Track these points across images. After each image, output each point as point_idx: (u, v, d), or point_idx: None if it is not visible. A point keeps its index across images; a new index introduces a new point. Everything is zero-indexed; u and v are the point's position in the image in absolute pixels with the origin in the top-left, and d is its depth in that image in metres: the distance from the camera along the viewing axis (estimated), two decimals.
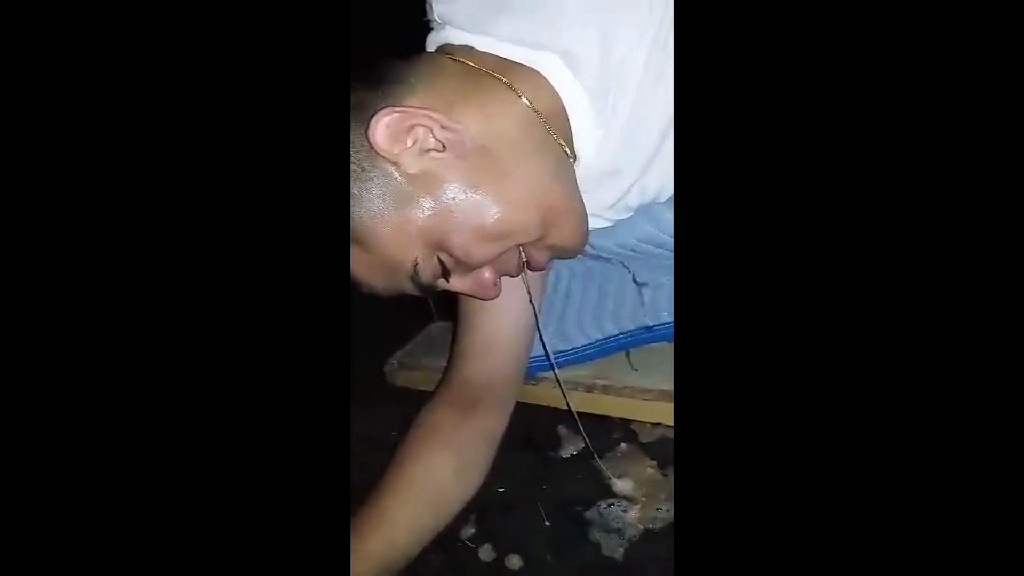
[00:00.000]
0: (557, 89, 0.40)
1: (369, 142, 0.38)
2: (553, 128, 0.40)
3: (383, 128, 0.37)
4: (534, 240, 0.41)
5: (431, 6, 0.43)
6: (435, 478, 0.48)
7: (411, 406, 0.60)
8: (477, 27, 0.41)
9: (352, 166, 0.38)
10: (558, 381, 0.54)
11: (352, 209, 0.39)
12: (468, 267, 0.41)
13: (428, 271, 0.40)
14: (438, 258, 0.40)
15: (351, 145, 0.39)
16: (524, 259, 0.43)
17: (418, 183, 0.38)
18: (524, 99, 0.39)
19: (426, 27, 0.45)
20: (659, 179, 0.43)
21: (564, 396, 0.53)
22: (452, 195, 0.38)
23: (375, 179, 0.38)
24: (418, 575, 0.46)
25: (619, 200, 0.44)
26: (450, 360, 0.56)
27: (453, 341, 0.56)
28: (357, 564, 0.42)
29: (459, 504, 0.48)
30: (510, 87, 0.40)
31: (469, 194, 0.38)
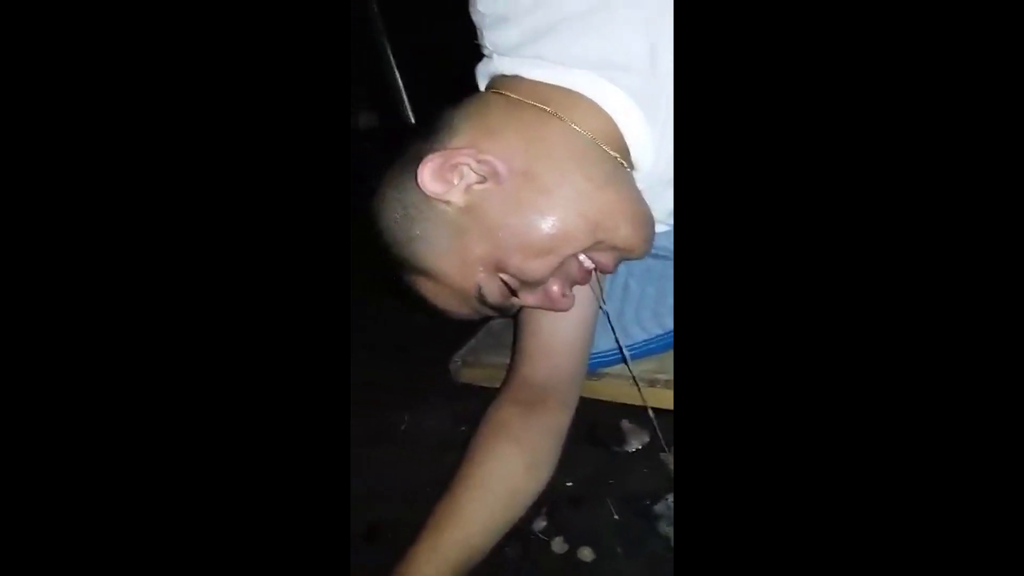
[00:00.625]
0: (603, 106, 0.42)
1: (419, 188, 0.42)
2: (605, 142, 0.42)
3: (428, 174, 0.42)
4: (589, 246, 0.43)
5: (483, 34, 0.45)
6: (506, 473, 0.50)
7: (477, 402, 0.63)
8: (526, 52, 0.43)
9: (411, 211, 0.43)
10: (633, 377, 0.55)
11: (416, 249, 0.43)
12: (530, 283, 0.44)
13: (494, 293, 0.44)
14: (501, 279, 0.43)
15: (408, 193, 0.43)
16: (590, 265, 0.44)
17: (468, 215, 0.42)
18: (569, 122, 0.41)
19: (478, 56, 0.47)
20: None
21: (639, 391, 0.55)
22: (498, 221, 0.41)
23: (431, 219, 0.43)
24: (495, 568, 0.48)
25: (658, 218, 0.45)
26: (513, 360, 0.57)
27: (515, 340, 0.58)
28: (436, 558, 0.44)
29: (530, 499, 0.51)
30: (553, 114, 0.42)
31: (513, 217, 0.41)
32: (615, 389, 0.61)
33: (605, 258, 0.44)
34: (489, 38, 0.45)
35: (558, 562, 0.48)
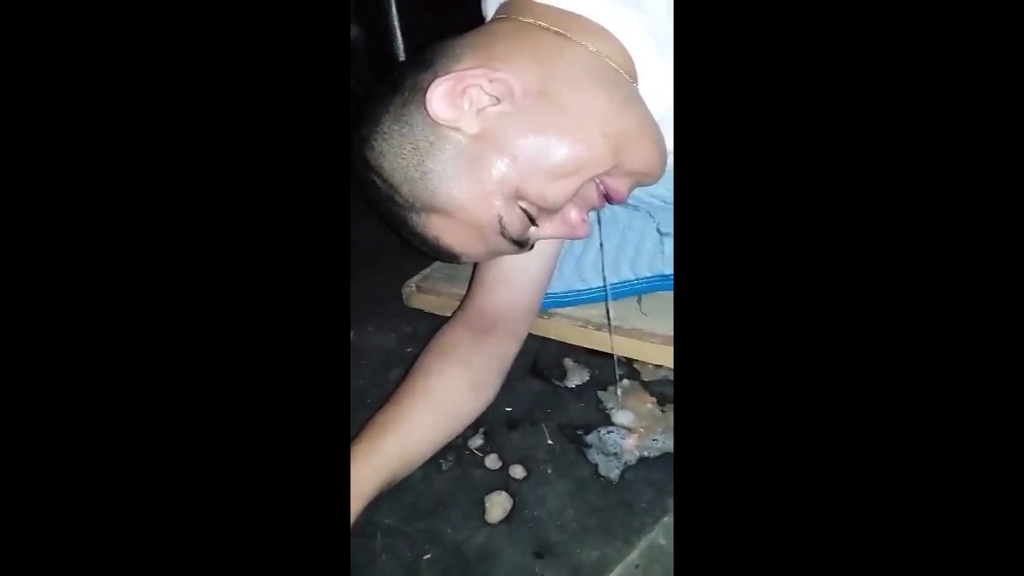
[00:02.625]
0: (617, 34, 0.41)
1: (431, 116, 0.39)
2: (619, 68, 0.41)
3: (438, 98, 0.39)
4: (609, 169, 0.42)
5: None
6: (451, 391, 0.51)
7: (425, 326, 0.64)
8: None
9: (419, 144, 0.40)
10: (608, 319, 0.57)
11: (430, 184, 0.41)
12: (551, 210, 0.43)
13: (515, 223, 0.42)
14: (521, 208, 0.41)
15: (414, 127, 0.41)
16: (604, 191, 0.43)
17: (483, 141, 0.40)
18: (581, 42, 0.40)
19: None
20: None
21: (611, 333, 0.57)
22: (516, 143, 0.40)
23: (443, 149, 0.40)
24: (428, 476, 0.50)
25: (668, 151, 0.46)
26: (471, 287, 0.58)
27: (475, 270, 0.59)
28: (373, 457, 0.45)
29: (469, 418, 0.52)
30: (563, 35, 0.40)
31: (532, 137, 0.40)
32: (563, 329, 0.63)
33: (620, 184, 0.43)
34: None
35: (490, 477, 0.50)
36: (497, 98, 0.40)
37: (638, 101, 0.42)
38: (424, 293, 0.72)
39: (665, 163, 0.44)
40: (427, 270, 0.76)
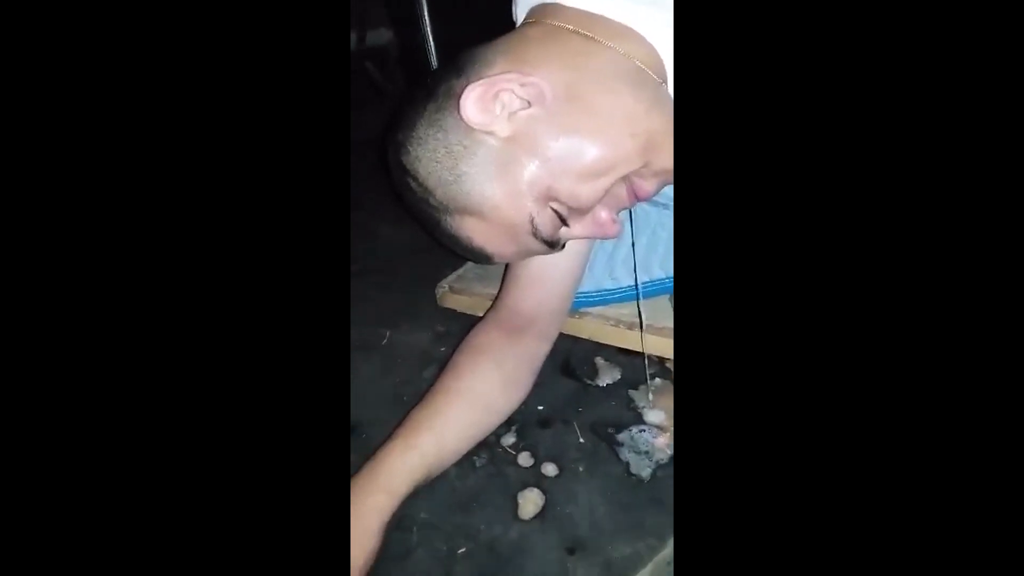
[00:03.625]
0: (647, 35, 0.41)
1: (464, 121, 0.41)
2: (648, 69, 0.42)
3: (472, 103, 0.40)
4: (638, 168, 0.42)
5: None
6: (484, 390, 0.52)
7: (458, 326, 0.65)
8: None
9: (453, 149, 0.42)
10: (640, 318, 0.58)
11: (463, 187, 0.42)
12: (581, 211, 0.43)
13: (546, 223, 0.43)
14: (552, 209, 0.42)
15: (447, 132, 0.42)
16: (633, 190, 0.44)
17: (515, 143, 0.41)
18: (609, 44, 0.41)
19: None
20: None
21: (641, 336, 0.58)
22: (547, 145, 0.40)
23: (477, 153, 0.41)
24: (463, 472, 0.51)
25: None
26: (503, 288, 0.59)
27: (507, 270, 0.60)
28: (410, 454, 0.47)
29: (502, 416, 0.53)
30: (591, 38, 0.41)
31: (562, 139, 0.40)
32: (594, 328, 0.63)
33: (649, 183, 0.44)
34: None
35: (522, 474, 0.51)
36: (528, 102, 0.41)
37: (666, 101, 0.43)
38: (457, 293, 0.74)
39: None
40: (460, 271, 0.77)
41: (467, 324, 0.59)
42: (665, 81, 0.43)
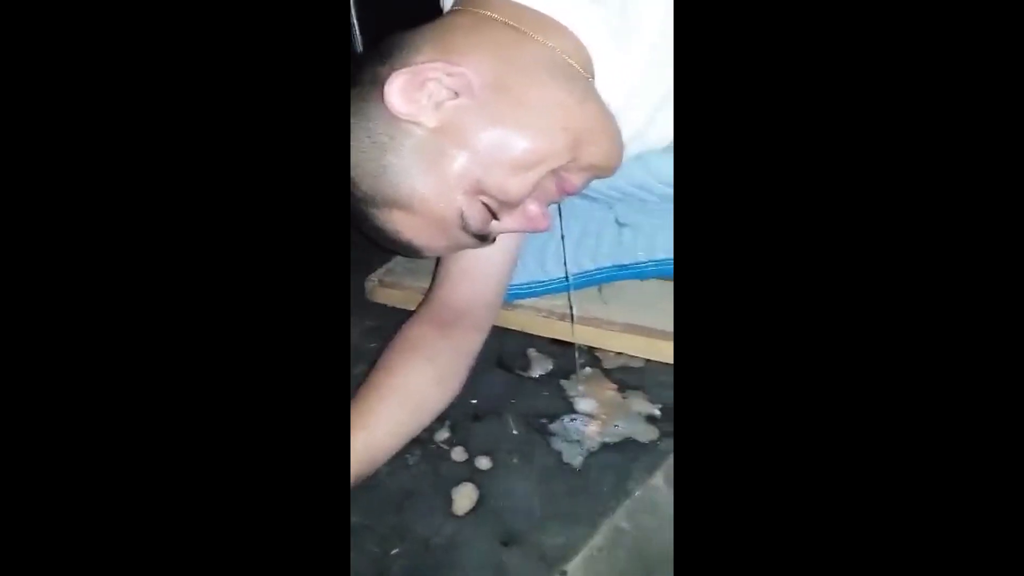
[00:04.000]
0: (575, 30, 0.41)
1: (388, 110, 0.39)
2: (576, 63, 0.42)
3: (397, 92, 0.39)
4: (567, 163, 0.42)
5: None
6: (416, 386, 0.51)
7: (388, 321, 0.64)
8: None
9: (378, 139, 0.40)
10: (571, 308, 0.58)
11: (390, 179, 0.41)
12: (511, 204, 0.43)
13: (476, 217, 0.42)
14: (482, 203, 0.41)
15: (372, 121, 0.40)
16: (561, 184, 0.44)
17: (442, 134, 0.40)
18: (537, 36, 0.41)
19: None
20: (660, 130, 0.46)
21: (572, 322, 0.58)
22: (476, 137, 0.40)
23: (403, 143, 0.40)
24: (395, 471, 0.50)
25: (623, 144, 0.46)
26: (434, 280, 0.58)
27: (438, 263, 0.59)
28: None
29: (435, 412, 0.53)
30: (521, 30, 0.41)
31: (492, 131, 0.40)
32: (526, 319, 0.64)
33: (576, 177, 0.44)
34: None
35: (456, 469, 0.51)
36: (456, 92, 0.40)
37: (595, 96, 0.43)
38: (387, 287, 0.72)
39: (621, 156, 0.45)
40: (389, 264, 0.76)
41: (398, 319, 0.58)
42: (593, 77, 0.44)
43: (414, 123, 0.40)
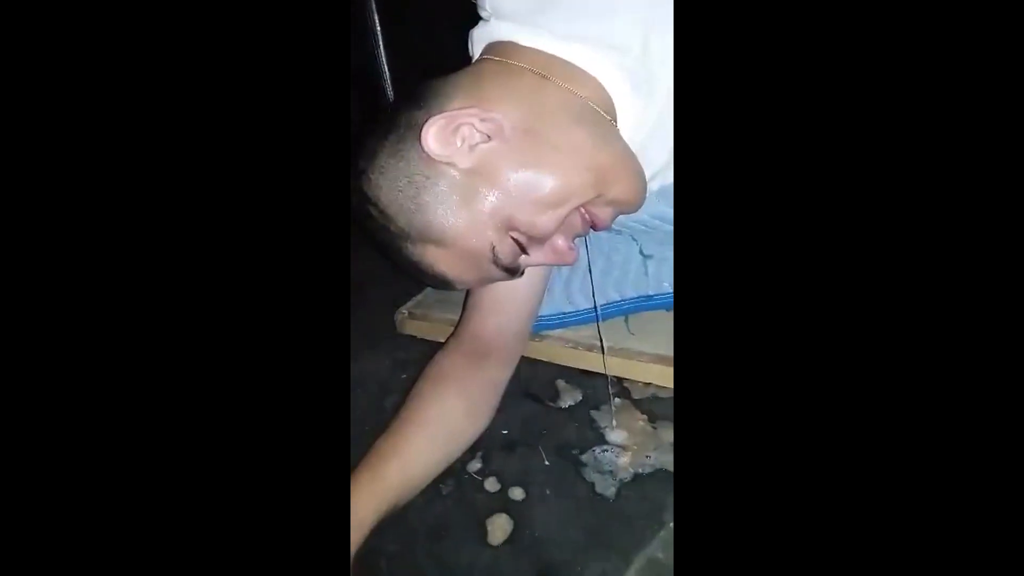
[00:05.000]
0: (598, 76, 0.44)
1: (426, 152, 0.42)
2: (596, 105, 0.44)
3: (433, 136, 0.42)
4: (593, 199, 0.44)
5: None
6: (449, 418, 0.53)
7: (418, 353, 0.65)
8: (527, 19, 0.44)
9: (415, 179, 0.43)
10: (601, 339, 0.59)
11: (426, 216, 0.43)
12: (540, 239, 0.45)
13: (507, 252, 0.44)
14: (512, 238, 0.44)
15: (409, 163, 0.43)
16: (588, 219, 0.46)
17: (475, 175, 0.43)
18: (563, 84, 0.43)
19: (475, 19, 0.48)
20: None
21: (603, 358, 0.59)
22: (507, 177, 0.42)
23: (439, 183, 0.43)
24: (430, 501, 0.51)
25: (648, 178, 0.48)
26: (464, 314, 0.60)
27: (468, 296, 0.60)
28: (375, 485, 0.46)
29: (467, 443, 0.54)
30: (546, 77, 0.43)
31: (522, 172, 0.42)
32: (554, 351, 0.65)
33: (603, 212, 0.46)
34: (491, 3, 0.45)
35: (490, 499, 0.51)
36: (488, 136, 0.42)
37: (617, 137, 0.45)
38: (417, 319, 0.74)
39: (645, 192, 0.47)
40: (419, 296, 0.77)
41: (428, 350, 0.59)
42: (615, 120, 0.46)
43: (449, 164, 0.43)
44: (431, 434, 0.51)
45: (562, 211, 0.44)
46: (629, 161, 0.45)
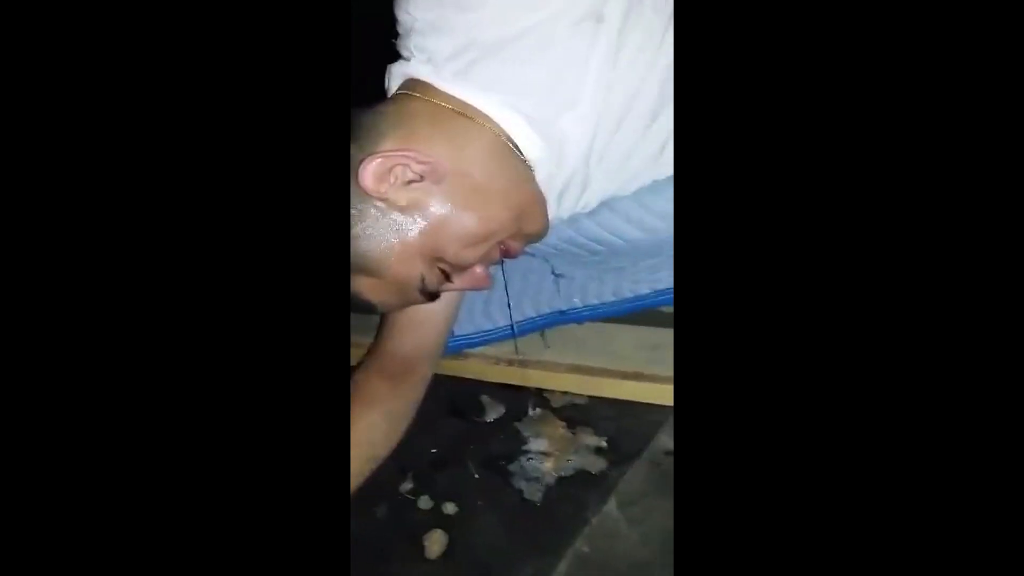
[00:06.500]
0: (493, 117, 0.47)
1: (360, 187, 0.45)
2: (510, 142, 0.48)
3: (370, 174, 0.44)
4: (512, 233, 0.49)
5: (409, 37, 0.47)
6: (372, 438, 0.54)
7: None
8: (450, 65, 0.46)
9: (350, 211, 0.45)
10: (516, 353, 0.62)
11: (358, 247, 0.45)
12: (463, 268, 0.49)
13: (433, 280, 0.48)
14: (439, 268, 0.48)
15: None
16: (504, 249, 0.50)
17: (408, 212, 0.46)
18: (488, 127, 0.47)
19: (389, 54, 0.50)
20: (586, 198, 0.53)
21: (520, 371, 0.63)
22: (439, 215, 0.46)
23: (372, 217, 0.45)
24: (366, 524, 0.52)
25: (555, 213, 0.53)
26: (380, 332, 0.61)
27: (383, 317, 0.62)
28: None
29: (383, 458, 0.55)
30: (470, 118, 0.47)
31: (452, 212, 0.46)
32: (478, 367, 0.68)
33: (516, 244, 0.51)
34: (416, 42, 0.47)
35: (424, 516, 0.53)
36: (421, 176, 0.45)
37: (531, 178, 0.50)
38: None
39: (549, 225, 0.52)
40: None
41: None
42: (522, 154, 0.50)
43: (382, 199, 0.45)
44: (356, 456, 0.53)
45: (486, 246, 0.48)
46: (540, 198, 0.51)
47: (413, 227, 0.46)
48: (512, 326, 0.66)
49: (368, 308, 0.50)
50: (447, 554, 0.50)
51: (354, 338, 0.73)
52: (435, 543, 0.51)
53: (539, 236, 0.52)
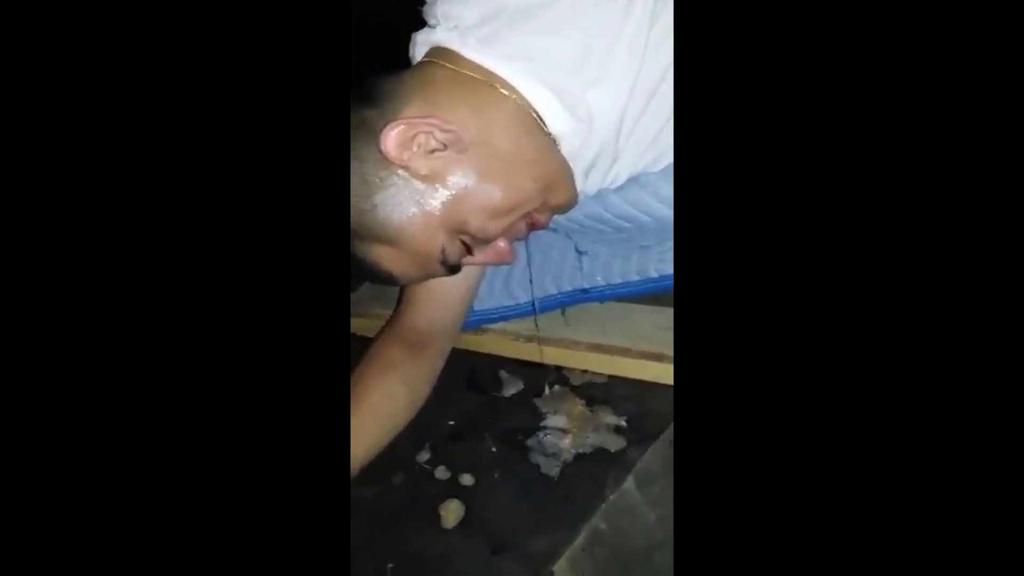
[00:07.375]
0: (520, 88, 0.46)
1: (381, 154, 0.43)
2: (535, 114, 0.47)
3: (392, 140, 0.43)
4: (538, 206, 0.48)
5: (435, 5, 0.46)
6: (391, 406, 0.55)
7: (354, 350, 0.66)
8: (476, 32, 0.45)
9: (369, 179, 0.44)
10: (537, 331, 0.61)
11: (378, 216, 0.44)
12: (486, 241, 0.48)
13: (455, 252, 0.47)
14: (461, 240, 0.47)
15: (364, 162, 0.44)
16: (530, 222, 0.49)
17: (431, 181, 0.45)
18: (513, 96, 0.46)
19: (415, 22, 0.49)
20: (614, 173, 0.52)
21: (540, 347, 0.63)
22: (462, 185, 0.45)
23: (394, 185, 0.44)
24: (383, 491, 0.52)
25: (582, 188, 0.52)
26: (401, 305, 0.61)
27: (403, 289, 0.62)
28: None
29: (401, 428, 0.56)
30: (494, 87, 0.45)
31: (476, 182, 0.45)
32: (496, 343, 0.68)
33: (543, 216, 0.50)
34: (442, 9, 0.46)
35: (441, 486, 0.53)
36: (444, 144, 0.44)
37: (556, 148, 0.49)
38: (357, 317, 0.74)
39: (578, 197, 0.51)
40: (356, 293, 0.78)
41: (364, 347, 0.60)
42: (547, 126, 0.49)
43: (404, 168, 0.44)
44: (376, 422, 0.53)
45: (511, 218, 0.47)
46: (568, 169, 0.49)
47: (435, 197, 0.45)
48: (533, 303, 0.65)
49: (388, 279, 0.50)
50: (463, 523, 0.50)
51: (375, 309, 0.73)
52: (451, 513, 0.51)
53: (567, 208, 0.51)
